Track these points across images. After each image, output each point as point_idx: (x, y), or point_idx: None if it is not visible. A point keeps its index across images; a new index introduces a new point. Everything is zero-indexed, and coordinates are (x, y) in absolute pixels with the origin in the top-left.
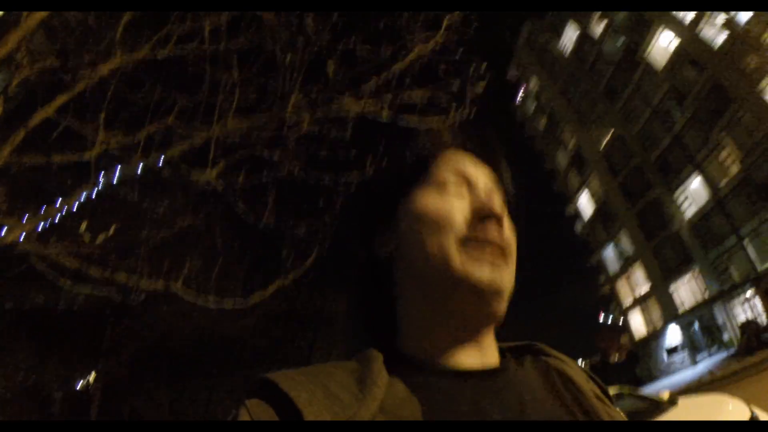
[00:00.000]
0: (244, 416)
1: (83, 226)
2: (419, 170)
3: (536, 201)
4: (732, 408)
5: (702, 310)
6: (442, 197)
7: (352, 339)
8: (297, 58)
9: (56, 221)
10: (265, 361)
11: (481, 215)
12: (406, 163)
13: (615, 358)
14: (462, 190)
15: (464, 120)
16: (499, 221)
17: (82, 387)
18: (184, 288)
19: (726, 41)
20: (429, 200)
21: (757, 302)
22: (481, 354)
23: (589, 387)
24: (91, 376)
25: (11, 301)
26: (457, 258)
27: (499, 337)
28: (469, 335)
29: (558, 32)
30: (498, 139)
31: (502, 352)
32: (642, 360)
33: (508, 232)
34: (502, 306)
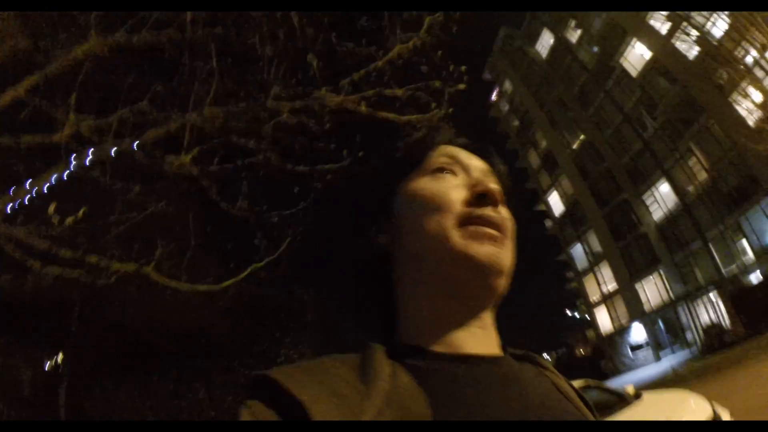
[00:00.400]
0: (245, 417)
1: (52, 207)
2: (414, 160)
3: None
4: (694, 404)
5: (666, 309)
6: (437, 180)
7: (346, 332)
8: (278, 50)
9: (26, 202)
10: (236, 348)
11: (477, 194)
12: (401, 154)
13: (581, 352)
14: (457, 171)
15: (443, 117)
16: (495, 200)
17: (50, 368)
18: (155, 272)
19: (698, 55)
20: (425, 184)
21: (720, 305)
22: (484, 334)
23: (578, 401)
24: (59, 357)
25: None
26: (456, 236)
27: None
28: (470, 314)
29: (533, 38)
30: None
31: (503, 348)
32: (607, 355)
33: (506, 213)
34: (502, 282)
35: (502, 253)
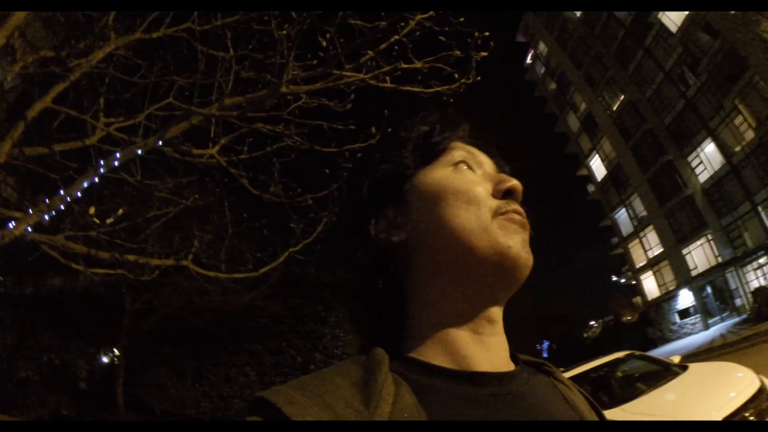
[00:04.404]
0: None
1: (92, 210)
2: (433, 151)
3: (548, 162)
4: (742, 376)
5: (715, 274)
6: (462, 173)
7: (356, 334)
8: (293, 30)
9: (62, 209)
10: (282, 329)
11: (506, 189)
12: (418, 144)
13: (627, 319)
14: (474, 167)
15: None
16: (519, 197)
17: (107, 362)
18: (193, 264)
19: None
20: (450, 176)
21: None
22: (495, 343)
23: (592, 418)
24: (115, 351)
25: (30, 285)
26: (492, 226)
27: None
28: (487, 316)
29: None
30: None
31: (515, 358)
32: (654, 322)
33: (524, 210)
34: (526, 273)
35: (527, 244)
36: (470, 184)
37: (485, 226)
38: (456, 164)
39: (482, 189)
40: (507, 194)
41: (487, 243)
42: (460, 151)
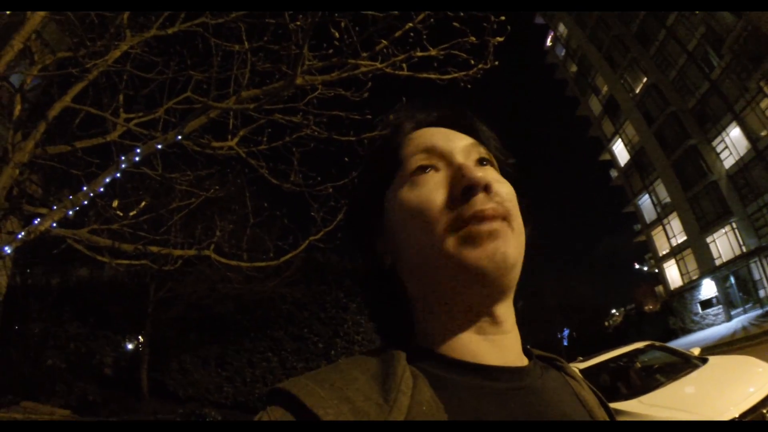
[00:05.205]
0: (264, 418)
1: (115, 203)
2: (392, 165)
3: (570, 146)
4: (762, 371)
5: (738, 264)
6: (416, 186)
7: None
8: (306, 22)
9: (85, 204)
10: (304, 316)
11: (463, 188)
12: (378, 162)
13: (649, 308)
14: (438, 165)
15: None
16: (486, 188)
17: (132, 349)
18: (215, 254)
19: None
20: (405, 194)
21: None
22: (504, 340)
23: (600, 414)
24: (140, 338)
25: (57, 277)
26: (451, 245)
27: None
28: (486, 321)
29: None
30: (464, 110)
31: (528, 353)
32: (676, 312)
33: (504, 192)
34: (512, 276)
35: (506, 245)
36: (422, 202)
37: (440, 249)
38: (412, 174)
39: (437, 202)
40: (469, 192)
41: (448, 264)
42: (418, 154)
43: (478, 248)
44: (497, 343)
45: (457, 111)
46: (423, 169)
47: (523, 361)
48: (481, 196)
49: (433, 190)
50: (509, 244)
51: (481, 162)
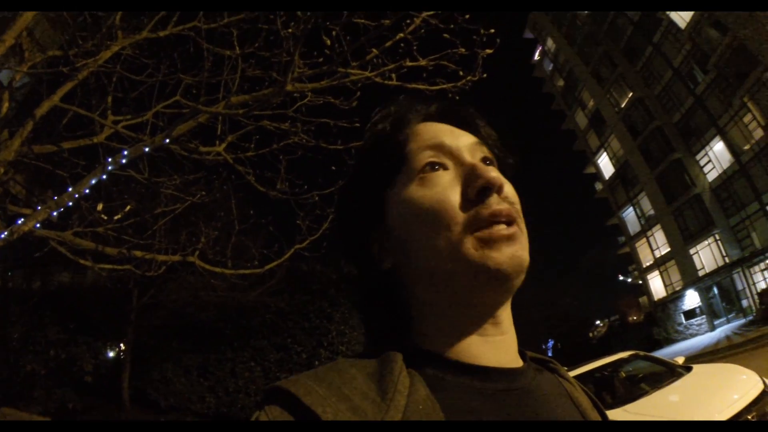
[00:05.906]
0: (262, 418)
1: (99, 206)
2: (395, 160)
3: (555, 159)
4: (746, 378)
5: (722, 275)
6: (428, 185)
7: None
8: (299, 29)
9: (70, 205)
10: (288, 325)
11: (479, 189)
12: (380, 156)
13: (633, 319)
14: (447, 163)
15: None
16: (499, 188)
17: (113, 357)
18: (199, 260)
19: None
20: (416, 193)
21: None
22: (502, 342)
23: (593, 415)
24: (122, 345)
25: (38, 280)
26: (471, 248)
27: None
28: (489, 321)
29: None
30: (467, 108)
31: (523, 355)
32: (660, 322)
33: (512, 194)
34: (522, 277)
35: (521, 248)
36: (436, 202)
37: (458, 250)
38: (421, 172)
39: (452, 200)
40: (484, 192)
41: (466, 266)
42: (426, 150)
43: (500, 251)
44: (496, 345)
45: (459, 106)
46: (432, 166)
47: (518, 363)
48: (495, 197)
49: (448, 188)
50: (522, 245)
51: (485, 161)
